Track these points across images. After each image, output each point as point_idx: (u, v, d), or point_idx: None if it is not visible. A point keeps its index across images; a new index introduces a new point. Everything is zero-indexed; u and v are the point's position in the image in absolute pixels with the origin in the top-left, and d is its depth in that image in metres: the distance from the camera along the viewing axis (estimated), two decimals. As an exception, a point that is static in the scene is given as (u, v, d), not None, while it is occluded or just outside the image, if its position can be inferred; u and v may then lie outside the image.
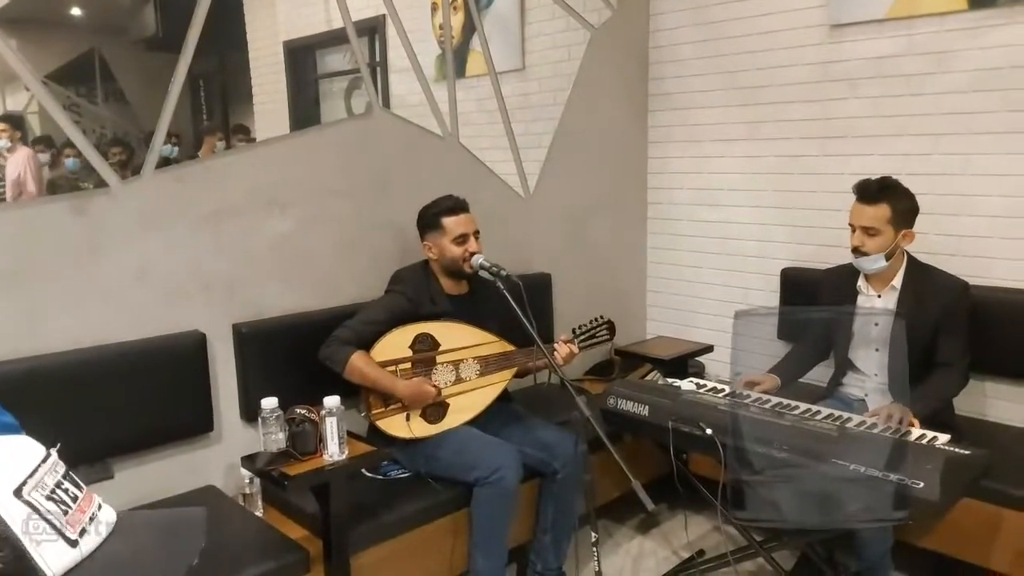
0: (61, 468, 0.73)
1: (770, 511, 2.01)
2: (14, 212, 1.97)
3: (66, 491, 0.71)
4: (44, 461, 0.71)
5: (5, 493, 0.66)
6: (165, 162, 2.22)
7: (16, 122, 2.29)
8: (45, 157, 2.23)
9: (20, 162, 2.32)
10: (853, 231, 2.32)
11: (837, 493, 1.89)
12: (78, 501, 0.71)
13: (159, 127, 2.15)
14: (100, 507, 0.75)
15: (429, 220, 2.42)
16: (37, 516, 0.67)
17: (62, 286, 2.03)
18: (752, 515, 2.06)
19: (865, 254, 2.30)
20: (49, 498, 0.69)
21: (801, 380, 2.57)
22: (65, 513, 0.69)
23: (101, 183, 2.08)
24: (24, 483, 0.68)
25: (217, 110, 2.55)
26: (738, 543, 2.54)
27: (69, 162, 2.23)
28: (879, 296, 2.41)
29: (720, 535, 2.79)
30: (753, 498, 2.02)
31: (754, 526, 2.37)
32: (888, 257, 2.32)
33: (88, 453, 2.00)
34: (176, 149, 2.27)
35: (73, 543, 0.69)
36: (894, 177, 2.33)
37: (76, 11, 2.38)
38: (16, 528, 0.66)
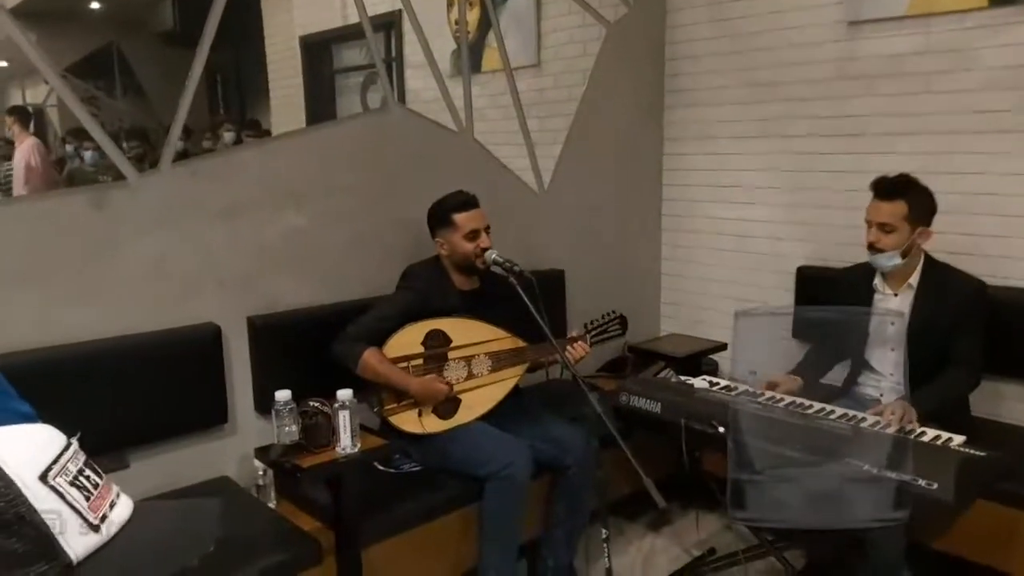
0: (82, 457, 0.74)
1: (778, 511, 1.99)
2: (33, 205, 2.00)
3: (87, 478, 0.72)
4: (66, 449, 0.72)
5: (31, 478, 0.68)
6: (180, 155, 2.24)
7: (23, 113, 2.32)
8: (70, 149, 2.26)
9: (27, 150, 2.36)
10: (869, 227, 2.31)
11: (849, 493, 1.88)
12: (99, 488, 0.73)
13: (176, 121, 2.16)
14: (119, 495, 0.76)
15: (440, 216, 2.42)
16: (62, 501, 0.69)
17: (80, 278, 2.05)
18: (755, 515, 2.04)
19: (880, 251, 2.29)
20: (72, 484, 0.70)
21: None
22: (88, 499, 0.71)
23: (119, 176, 2.09)
24: (49, 469, 0.69)
25: (234, 104, 2.56)
26: (749, 542, 2.53)
27: (87, 155, 2.26)
28: (896, 295, 2.40)
29: (732, 533, 2.78)
30: (758, 498, 2.00)
31: (760, 527, 2.36)
32: (904, 255, 2.30)
33: (104, 443, 2.00)
34: (182, 144, 2.27)
35: (95, 528, 0.70)
36: (912, 175, 2.31)
37: (95, 5, 2.41)
38: (42, 511, 0.67)
